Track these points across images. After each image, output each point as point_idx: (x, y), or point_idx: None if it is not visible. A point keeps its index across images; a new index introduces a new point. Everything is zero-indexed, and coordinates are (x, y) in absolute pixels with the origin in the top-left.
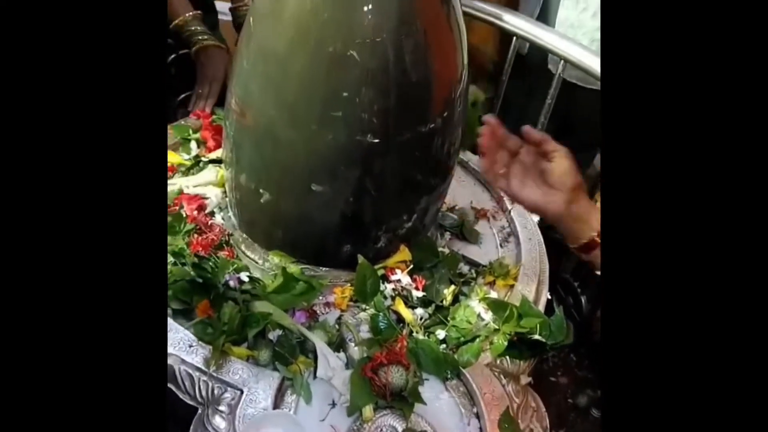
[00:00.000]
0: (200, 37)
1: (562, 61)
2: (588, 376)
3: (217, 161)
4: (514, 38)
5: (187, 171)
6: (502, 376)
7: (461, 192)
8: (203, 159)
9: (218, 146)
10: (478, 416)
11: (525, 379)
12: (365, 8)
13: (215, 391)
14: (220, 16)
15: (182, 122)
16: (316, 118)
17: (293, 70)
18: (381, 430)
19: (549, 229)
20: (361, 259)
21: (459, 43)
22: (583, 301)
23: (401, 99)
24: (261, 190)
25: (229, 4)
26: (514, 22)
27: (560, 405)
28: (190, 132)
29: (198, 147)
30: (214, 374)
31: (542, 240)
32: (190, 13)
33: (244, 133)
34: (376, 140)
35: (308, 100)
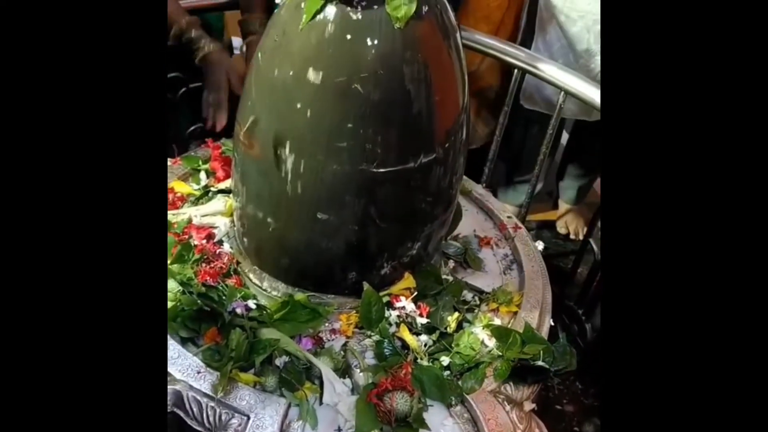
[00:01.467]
0: (201, 44)
1: (563, 92)
2: (594, 405)
3: (226, 191)
4: (515, 70)
5: (197, 201)
6: (506, 403)
7: (464, 220)
8: (212, 189)
9: (227, 176)
10: None
11: (529, 406)
12: (369, 43)
13: (222, 417)
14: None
15: (192, 153)
16: (322, 148)
17: (298, 102)
18: None
19: (553, 257)
20: (366, 286)
21: (460, 74)
22: (587, 328)
23: (404, 129)
24: (268, 219)
25: (240, 39)
26: (514, 54)
27: None
28: (200, 163)
29: (207, 177)
30: (222, 400)
31: (545, 267)
32: (186, 20)
33: (251, 163)
34: (380, 170)
35: (313, 131)
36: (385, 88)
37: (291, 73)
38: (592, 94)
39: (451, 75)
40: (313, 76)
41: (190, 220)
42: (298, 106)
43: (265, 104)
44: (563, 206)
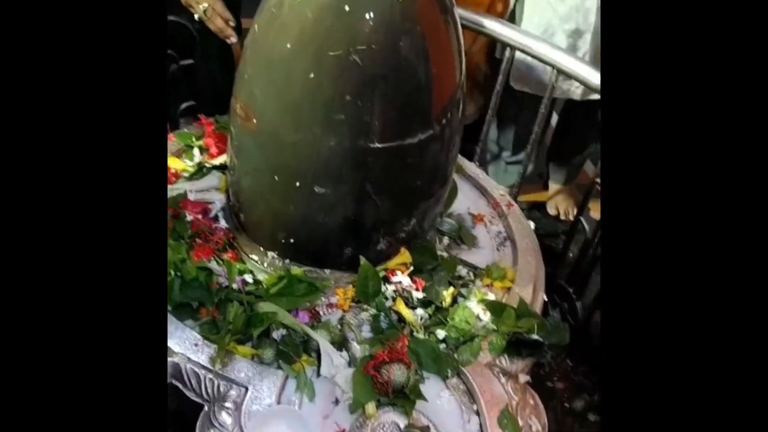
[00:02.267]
0: None
1: (555, 71)
2: (584, 381)
3: (220, 167)
4: (508, 49)
5: (191, 177)
6: (501, 375)
7: (458, 198)
8: (206, 165)
9: (221, 153)
10: (478, 413)
11: (523, 378)
12: (366, 16)
13: (221, 389)
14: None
15: (185, 130)
16: (319, 121)
17: (296, 75)
18: (384, 426)
19: (543, 237)
20: (363, 260)
21: (457, 50)
22: (578, 307)
23: (402, 103)
24: (265, 193)
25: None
26: (509, 33)
27: (557, 410)
28: (193, 139)
29: (201, 154)
30: (220, 372)
31: (538, 244)
32: None
33: (248, 136)
34: (378, 145)
35: (311, 103)
36: (383, 61)
37: (288, 45)
38: (585, 72)
39: (448, 49)
40: (309, 48)
41: (184, 195)
42: (295, 78)
43: (261, 76)
44: (553, 187)
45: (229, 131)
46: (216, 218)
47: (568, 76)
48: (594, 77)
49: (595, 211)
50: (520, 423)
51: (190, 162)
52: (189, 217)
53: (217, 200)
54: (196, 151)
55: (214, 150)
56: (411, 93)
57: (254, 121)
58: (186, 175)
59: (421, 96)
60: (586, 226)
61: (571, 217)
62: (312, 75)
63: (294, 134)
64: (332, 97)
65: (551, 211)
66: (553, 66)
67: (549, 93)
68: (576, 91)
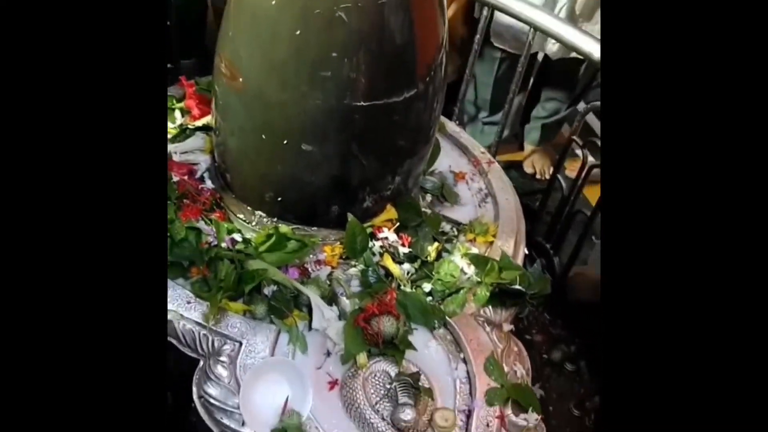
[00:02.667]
0: None
1: (532, 29)
2: (561, 334)
3: (203, 129)
4: (485, 8)
5: (173, 139)
6: (486, 325)
7: (440, 156)
8: (189, 127)
9: (203, 114)
10: (465, 361)
11: (507, 327)
12: None
13: (215, 344)
14: None
15: None
16: (306, 78)
17: (283, 32)
18: (375, 375)
19: (520, 196)
20: (350, 217)
21: (440, 11)
22: (555, 262)
23: (388, 61)
24: (252, 153)
25: None
26: None
27: (536, 360)
28: (174, 101)
29: (182, 116)
30: (213, 328)
31: (518, 199)
32: None
33: (233, 96)
34: (364, 103)
35: (298, 61)
36: (369, 18)
37: (273, 2)
38: (561, 30)
39: (432, 7)
40: (295, 3)
41: (169, 156)
42: (281, 34)
43: (246, 34)
44: (529, 148)
45: (213, 91)
46: (202, 179)
47: (545, 34)
48: (570, 34)
49: (570, 169)
50: (505, 369)
51: (172, 124)
52: (175, 178)
53: (202, 161)
54: (177, 113)
55: (196, 112)
56: (396, 50)
57: (240, 80)
58: (168, 137)
59: (406, 53)
60: (563, 184)
61: (548, 176)
62: (298, 32)
63: (281, 93)
64: (319, 55)
65: (528, 170)
66: (530, 24)
67: (526, 52)
68: (552, 48)
